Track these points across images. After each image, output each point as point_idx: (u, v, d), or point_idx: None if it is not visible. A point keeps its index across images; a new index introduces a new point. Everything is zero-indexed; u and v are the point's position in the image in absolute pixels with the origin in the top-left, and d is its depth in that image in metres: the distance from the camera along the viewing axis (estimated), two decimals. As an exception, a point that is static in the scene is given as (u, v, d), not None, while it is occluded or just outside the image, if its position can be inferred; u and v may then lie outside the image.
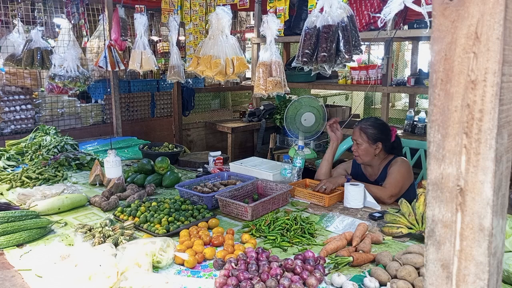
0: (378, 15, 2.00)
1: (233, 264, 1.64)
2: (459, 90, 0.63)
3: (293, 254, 1.82)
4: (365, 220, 2.25)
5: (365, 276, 1.61)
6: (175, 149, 3.70)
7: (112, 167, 2.62)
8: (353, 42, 2.26)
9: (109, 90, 4.75)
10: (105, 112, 5.19)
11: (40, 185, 2.83)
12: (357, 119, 5.76)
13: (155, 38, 6.62)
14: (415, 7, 1.89)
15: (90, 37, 5.31)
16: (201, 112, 6.48)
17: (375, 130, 2.67)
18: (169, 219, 2.14)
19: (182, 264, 1.76)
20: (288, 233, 2.01)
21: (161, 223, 2.11)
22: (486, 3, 0.58)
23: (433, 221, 0.68)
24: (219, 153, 3.34)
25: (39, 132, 3.83)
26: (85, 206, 2.52)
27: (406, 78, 4.53)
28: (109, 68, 4.01)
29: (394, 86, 4.37)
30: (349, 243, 1.92)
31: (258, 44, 4.91)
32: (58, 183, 2.93)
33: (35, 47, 4.08)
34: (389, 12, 1.93)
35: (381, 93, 4.45)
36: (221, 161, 3.29)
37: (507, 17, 0.58)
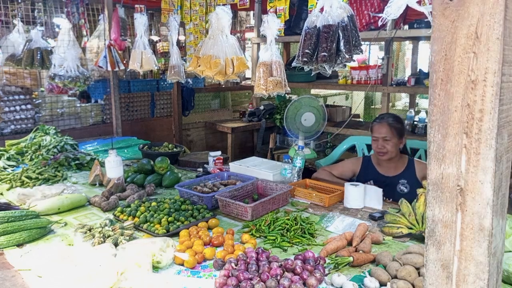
0: (379, 14, 2.00)
1: (233, 264, 1.64)
2: (459, 90, 0.63)
3: (293, 254, 1.82)
4: (365, 220, 2.25)
5: (365, 276, 1.61)
6: (175, 149, 3.70)
7: (113, 167, 2.62)
8: (354, 42, 2.25)
9: (108, 90, 4.75)
10: (105, 112, 5.19)
11: (40, 185, 2.83)
12: (357, 119, 5.76)
13: (155, 38, 6.62)
14: (418, 7, 1.88)
15: (90, 37, 5.31)
16: (201, 112, 6.48)
17: (401, 125, 2.78)
18: (169, 219, 2.14)
19: (182, 264, 1.75)
20: (288, 233, 2.01)
21: (161, 223, 2.11)
22: (486, 3, 0.58)
23: (433, 221, 0.68)
24: (219, 153, 3.34)
25: (39, 132, 3.83)
26: (85, 206, 2.52)
27: (406, 78, 4.53)
28: (109, 68, 4.01)
29: (394, 86, 4.37)
30: (349, 243, 1.92)
31: (258, 44, 4.91)
32: (58, 183, 2.93)
33: (35, 47, 4.08)
34: (391, 13, 1.92)
35: (381, 93, 4.45)
36: (221, 161, 3.29)
37: (507, 17, 0.58)
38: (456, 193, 0.64)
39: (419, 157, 3.40)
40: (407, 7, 1.94)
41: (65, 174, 3.11)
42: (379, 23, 2.05)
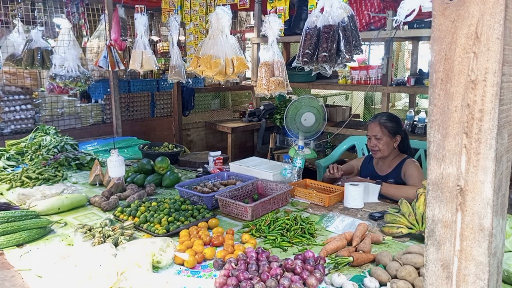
0: (380, 15, 1.99)
1: (233, 264, 1.64)
2: (459, 90, 0.63)
3: (293, 254, 1.82)
4: (365, 220, 2.25)
5: (365, 276, 1.61)
6: (175, 149, 3.70)
7: (115, 166, 2.62)
8: (354, 42, 2.26)
9: (109, 90, 4.75)
10: (105, 112, 5.19)
11: (40, 185, 2.83)
12: (357, 119, 5.76)
13: (155, 38, 6.62)
14: (430, 6, 1.86)
15: (90, 37, 5.32)
16: (201, 112, 6.48)
17: (394, 123, 2.78)
18: (169, 219, 2.14)
19: (182, 264, 1.76)
20: (288, 233, 2.01)
21: (161, 223, 2.11)
22: (486, 3, 0.58)
23: (433, 221, 0.68)
24: (219, 153, 3.34)
25: (39, 132, 3.83)
26: (85, 206, 2.52)
27: (406, 78, 4.53)
28: (109, 68, 4.01)
29: (394, 86, 4.37)
30: (349, 243, 1.92)
31: (258, 44, 4.91)
32: (58, 183, 2.93)
33: (35, 47, 4.08)
34: (404, 14, 1.89)
35: (381, 93, 4.45)
36: (221, 161, 3.29)
37: (507, 17, 0.58)
38: (456, 193, 0.64)
39: (419, 157, 3.40)
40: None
41: (65, 174, 3.11)
42: (394, 25, 2.04)
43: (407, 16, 1.88)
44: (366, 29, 4.17)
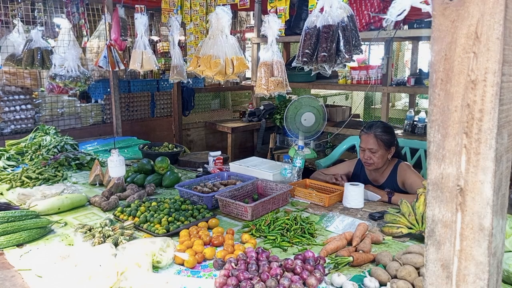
0: (380, 15, 1.99)
1: (233, 264, 1.64)
2: (459, 90, 0.63)
3: (293, 254, 1.82)
4: (365, 220, 2.25)
5: (365, 276, 1.61)
6: (175, 149, 3.70)
7: (116, 166, 2.62)
8: (353, 42, 2.26)
9: (109, 90, 4.75)
10: (105, 112, 5.19)
11: (40, 185, 2.83)
12: (357, 119, 5.76)
13: (155, 38, 6.62)
14: (424, 7, 1.87)
15: (90, 37, 5.31)
16: (201, 112, 6.48)
17: (389, 135, 2.67)
18: (169, 219, 2.14)
19: (182, 264, 1.76)
20: (288, 233, 2.01)
21: (161, 223, 2.11)
22: (486, 3, 0.58)
23: (433, 221, 0.68)
24: (219, 153, 3.34)
25: (39, 132, 3.83)
26: (85, 206, 2.52)
27: (406, 78, 4.53)
28: (109, 68, 4.01)
29: (394, 86, 4.37)
30: (349, 243, 1.92)
31: (258, 44, 4.91)
32: (58, 183, 2.93)
33: (35, 47, 4.08)
34: (395, 13, 1.89)
35: (381, 93, 4.44)
36: (221, 161, 3.29)
37: (507, 17, 0.58)
38: (456, 193, 0.64)
39: (419, 157, 3.40)
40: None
41: (65, 174, 3.11)
42: (384, 24, 2.03)
43: (398, 15, 1.88)
44: (366, 29, 4.17)
